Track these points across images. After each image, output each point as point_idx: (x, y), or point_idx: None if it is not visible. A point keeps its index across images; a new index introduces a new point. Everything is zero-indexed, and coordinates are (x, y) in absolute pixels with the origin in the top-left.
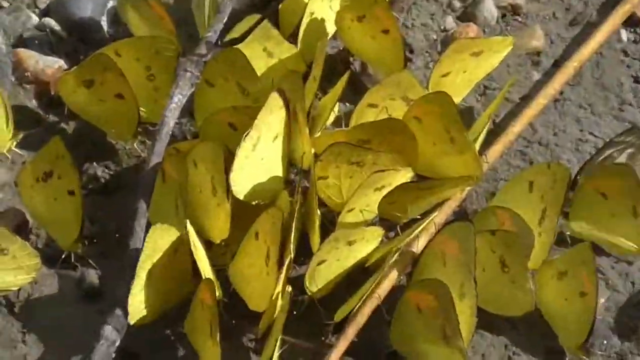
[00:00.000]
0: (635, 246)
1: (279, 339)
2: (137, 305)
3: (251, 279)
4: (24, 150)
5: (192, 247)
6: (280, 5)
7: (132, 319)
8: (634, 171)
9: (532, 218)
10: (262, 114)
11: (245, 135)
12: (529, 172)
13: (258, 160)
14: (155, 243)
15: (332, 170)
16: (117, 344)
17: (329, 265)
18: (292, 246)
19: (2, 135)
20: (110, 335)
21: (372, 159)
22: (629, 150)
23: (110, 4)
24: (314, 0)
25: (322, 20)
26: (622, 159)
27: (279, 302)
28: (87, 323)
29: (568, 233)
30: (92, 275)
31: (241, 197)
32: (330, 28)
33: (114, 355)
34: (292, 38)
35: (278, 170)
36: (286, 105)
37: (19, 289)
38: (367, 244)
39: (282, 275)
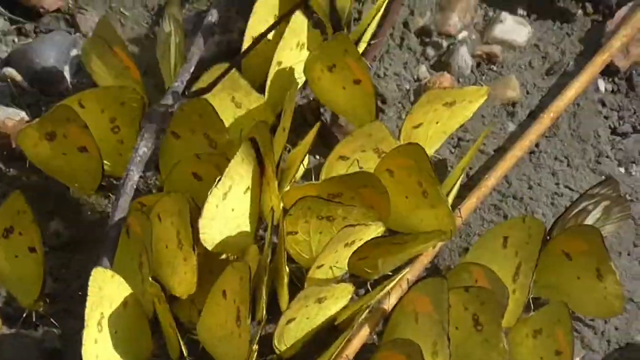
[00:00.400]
0: (596, 312)
1: None
2: None
3: (222, 340)
4: None
5: (156, 303)
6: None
7: None
8: (599, 233)
9: (506, 274)
10: (233, 162)
11: (217, 182)
12: (503, 227)
13: (228, 211)
14: (101, 290)
15: (301, 225)
16: None
17: (298, 323)
18: (264, 304)
19: None
20: None
21: (343, 214)
22: (604, 203)
23: (73, 53)
24: (282, 48)
25: (291, 69)
26: (597, 212)
27: None
28: None
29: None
30: (54, 335)
31: (210, 247)
32: (300, 77)
33: None
34: (261, 88)
35: (248, 224)
36: (258, 156)
37: None
38: (337, 301)
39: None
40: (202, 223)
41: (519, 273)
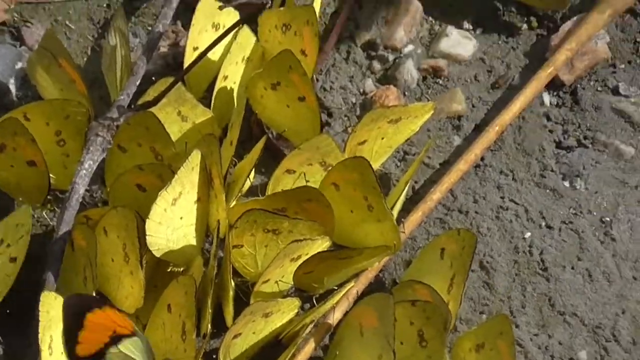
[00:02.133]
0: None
1: None
2: None
3: (167, 354)
4: None
5: None
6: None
7: None
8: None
9: (442, 286)
10: (183, 170)
11: (167, 186)
12: (441, 239)
13: (177, 219)
14: (48, 313)
15: (247, 239)
16: None
17: (244, 338)
18: (209, 318)
19: None
20: None
21: (289, 227)
22: None
23: (19, 65)
24: (228, 63)
25: (237, 83)
26: None
27: None
28: None
29: None
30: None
31: (155, 252)
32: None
33: None
34: (205, 100)
35: (194, 236)
36: (205, 167)
37: None
38: (283, 315)
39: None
40: (149, 225)
41: (453, 284)
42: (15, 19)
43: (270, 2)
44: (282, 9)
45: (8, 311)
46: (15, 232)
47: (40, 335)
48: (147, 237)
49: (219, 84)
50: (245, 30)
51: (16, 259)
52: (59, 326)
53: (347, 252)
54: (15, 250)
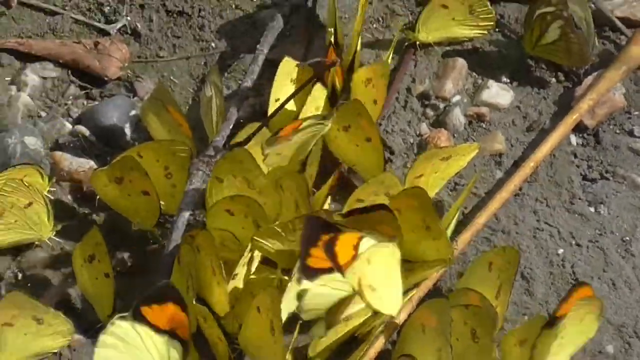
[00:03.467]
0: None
1: None
2: None
3: (262, 347)
4: (61, 239)
5: (200, 321)
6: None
7: None
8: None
9: (490, 293)
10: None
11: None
12: (489, 255)
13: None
14: None
15: None
16: None
17: (328, 336)
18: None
19: (44, 226)
20: None
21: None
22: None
23: (132, 113)
24: (304, 112)
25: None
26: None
27: None
28: None
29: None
30: None
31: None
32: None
33: None
34: None
35: None
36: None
37: (60, 355)
38: (359, 317)
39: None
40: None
41: (500, 292)
42: (129, 75)
43: (339, 61)
44: (369, 66)
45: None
46: (98, 250)
47: None
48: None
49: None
50: (318, 85)
51: (109, 275)
52: None
53: (410, 265)
54: (105, 267)
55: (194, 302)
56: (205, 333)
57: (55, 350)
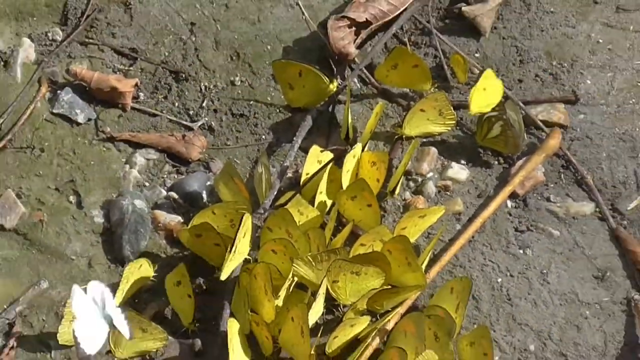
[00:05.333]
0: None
1: None
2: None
3: (294, 344)
4: (156, 271)
5: (253, 325)
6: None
7: None
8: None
9: (452, 309)
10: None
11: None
12: (451, 282)
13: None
14: (232, 328)
15: (340, 277)
16: None
17: (340, 338)
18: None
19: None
20: None
21: (365, 270)
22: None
23: (208, 183)
24: (323, 183)
25: (323, 193)
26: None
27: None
28: None
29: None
30: (199, 343)
31: None
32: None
33: None
34: (312, 201)
35: None
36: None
37: (157, 351)
38: (361, 325)
39: (314, 343)
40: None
41: (458, 308)
42: (206, 157)
43: (350, 148)
44: (374, 153)
45: (205, 322)
46: (183, 278)
47: (229, 342)
48: None
49: (318, 197)
50: (333, 165)
51: (190, 296)
52: (237, 339)
53: (396, 289)
54: (188, 289)
55: (249, 312)
56: (256, 334)
57: (154, 350)
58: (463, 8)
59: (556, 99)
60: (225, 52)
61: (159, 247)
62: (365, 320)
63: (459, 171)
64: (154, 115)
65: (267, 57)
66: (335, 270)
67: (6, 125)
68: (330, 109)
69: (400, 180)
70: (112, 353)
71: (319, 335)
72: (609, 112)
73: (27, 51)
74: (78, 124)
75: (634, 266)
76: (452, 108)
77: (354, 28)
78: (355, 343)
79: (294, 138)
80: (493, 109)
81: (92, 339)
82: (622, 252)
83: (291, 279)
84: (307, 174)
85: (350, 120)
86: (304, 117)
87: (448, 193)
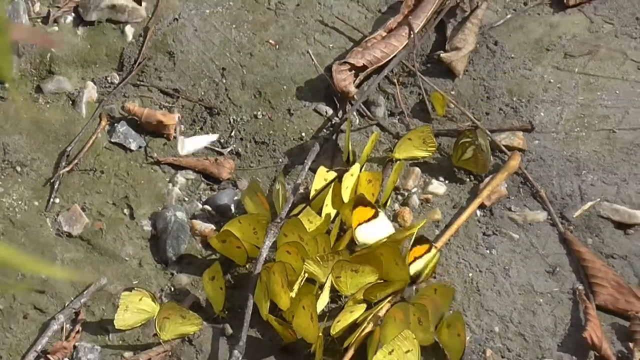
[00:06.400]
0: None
1: (321, 356)
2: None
3: (305, 328)
4: (187, 274)
5: (270, 319)
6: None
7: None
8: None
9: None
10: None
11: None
12: (434, 285)
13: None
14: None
15: (342, 273)
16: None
17: (342, 322)
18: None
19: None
20: (236, 354)
21: (362, 269)
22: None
23: (236, 198)
24: (328, 198)
25: (329, 205)
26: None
27: (320, 339)
28: (224, 348)
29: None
30: (228, 327)
31: None
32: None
33: None
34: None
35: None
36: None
37: (194, 333)
38: (359, 311)
39: (322, 327)
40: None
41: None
42: (234, 177)
43: (349, 168)
44: (370, 172)
45: (233, 310)
46: (217, 274)
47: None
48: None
49: (324, 209)
50: (336, 182)
51: (222, 288)
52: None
53: (386, 283)
54: (221, 283)
55: (268, 302)
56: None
57: (192, 333)
58: (441, 54)
59: (516, 128)
60: (249, 92)
61: (196, 250)
62: (362, 307)
63: (438, 187)
64: None
65: (284, 95)
66: (338, 268)
67: (73, 152)
68: (334, 137)
69: (390, 195)
70: (157, 335)
71: (325, 320)
72: (559, 138)
73: (91, 92)
74: (131, 150)
75: (578, 262)
76: (434, 137)
77: (353, 71)
78: (354, 326)
79: (305, 161)
80: (466, 136)
81: None
82: (569, 251)
83: (303, 275)
84: (316, 190)
85: (350, 147)
86: (312, 144)
87: (429, 204)
